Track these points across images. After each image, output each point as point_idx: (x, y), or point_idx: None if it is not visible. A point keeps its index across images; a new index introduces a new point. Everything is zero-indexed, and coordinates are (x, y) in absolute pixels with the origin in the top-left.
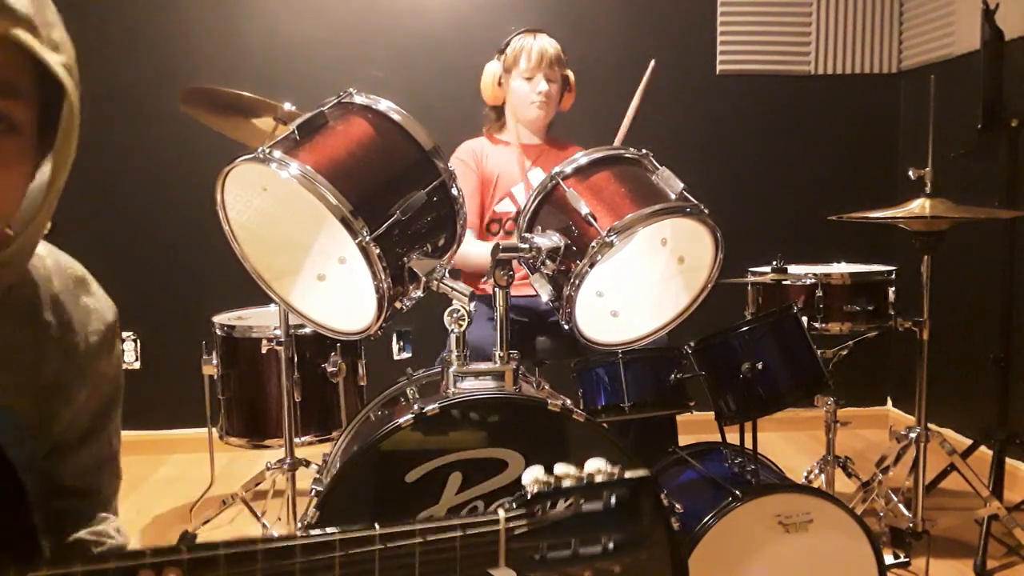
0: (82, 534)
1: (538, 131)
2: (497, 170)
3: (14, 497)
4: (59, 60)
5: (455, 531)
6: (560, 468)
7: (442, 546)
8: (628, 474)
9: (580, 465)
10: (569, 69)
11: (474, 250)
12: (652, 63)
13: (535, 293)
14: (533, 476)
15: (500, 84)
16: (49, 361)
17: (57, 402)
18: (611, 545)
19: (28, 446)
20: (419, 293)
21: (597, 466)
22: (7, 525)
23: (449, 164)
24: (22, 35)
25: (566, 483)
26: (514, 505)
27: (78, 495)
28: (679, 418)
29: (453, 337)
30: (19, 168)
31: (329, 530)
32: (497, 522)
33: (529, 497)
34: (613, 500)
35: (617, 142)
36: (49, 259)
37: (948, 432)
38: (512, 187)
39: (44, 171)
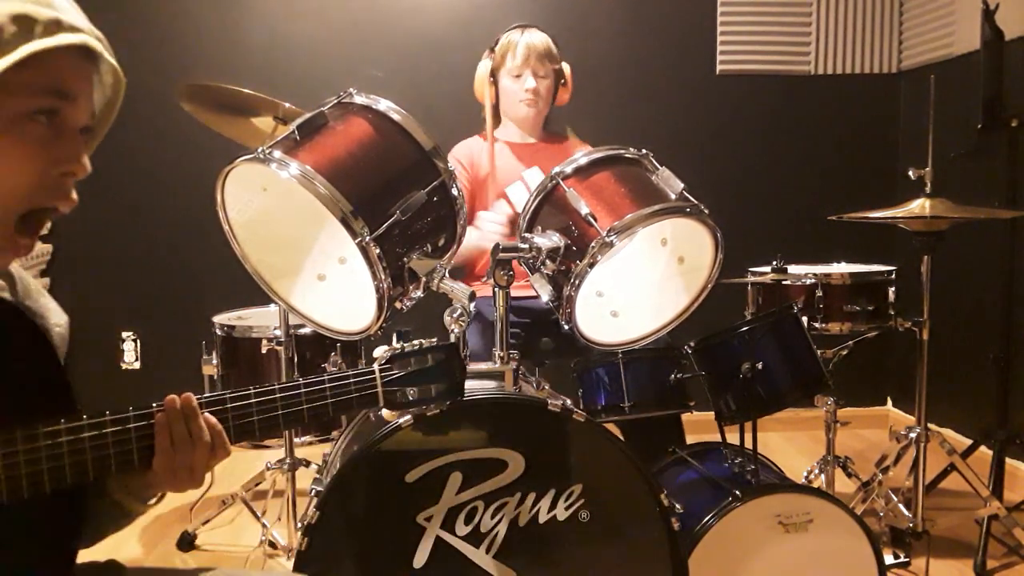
0: None
1: (532, 129)
2: (489, 172)
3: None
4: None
5: (349, 378)
6: (397, 342)
7: (342, 389)
8: (442, 343)
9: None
10: (564, 63)
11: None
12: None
13: (535, 294)
14: (383, 349)
15: (491, 83)
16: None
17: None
18: (435, 392)
19: None
20: (419, 293)
21: (421, 341)
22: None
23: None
24: (107, 55)
25: (407, 348)
26: (379, 367)
27: None
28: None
29: (453, 337)
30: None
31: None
32: (373, 372)
33: (387, 358)
34: (434, 359)
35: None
36: (13, 263)
37: (948, 432)
38: (507, 187)
39: None
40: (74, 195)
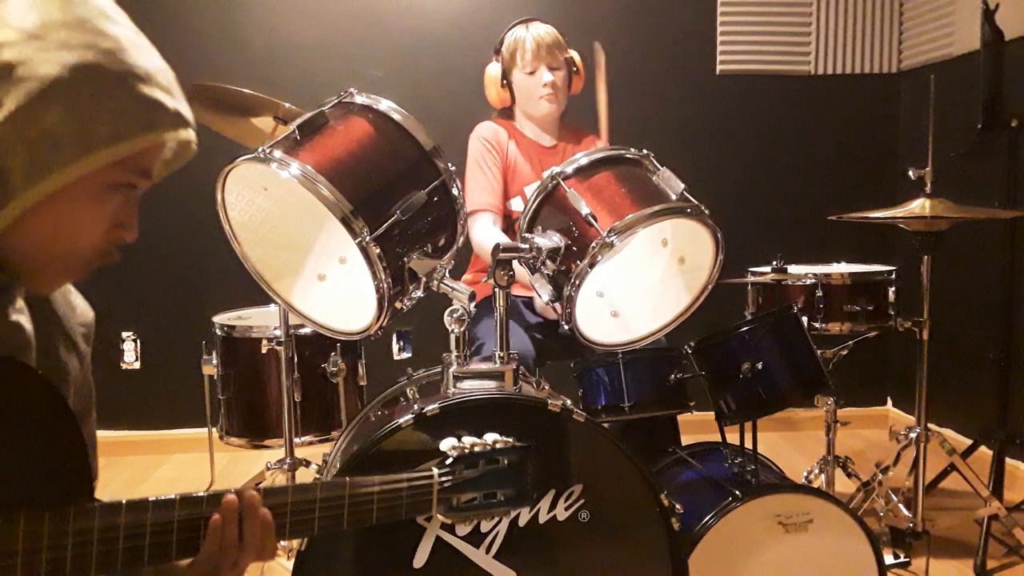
0: None
1: (551, 127)
2: (514, 163)
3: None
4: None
5: (402, 483)
6: (467, 439)
7: (393, 496)
8: (518, 444)
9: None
10: (572, 50)
11: (491, 239)
12: (596, 45)
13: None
14: (450, 443)
15: (504, 85)
16: (56, 344)
17: (66, 383)
18: (502, 498)
19: None
20: (419, 293)
21: (495, 436)
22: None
23: (469, 143)
24: (192, 137)
25: (476, 449)
26: (439, 468)
27: None
28: (680, 418)
29: (453, 337)
30: None
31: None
32: (431, 477)
33: (450, 460)
34: (506, 462)
35: (603, 135)
36: None
37: (948, 432)
38: (525, 186)
39: None
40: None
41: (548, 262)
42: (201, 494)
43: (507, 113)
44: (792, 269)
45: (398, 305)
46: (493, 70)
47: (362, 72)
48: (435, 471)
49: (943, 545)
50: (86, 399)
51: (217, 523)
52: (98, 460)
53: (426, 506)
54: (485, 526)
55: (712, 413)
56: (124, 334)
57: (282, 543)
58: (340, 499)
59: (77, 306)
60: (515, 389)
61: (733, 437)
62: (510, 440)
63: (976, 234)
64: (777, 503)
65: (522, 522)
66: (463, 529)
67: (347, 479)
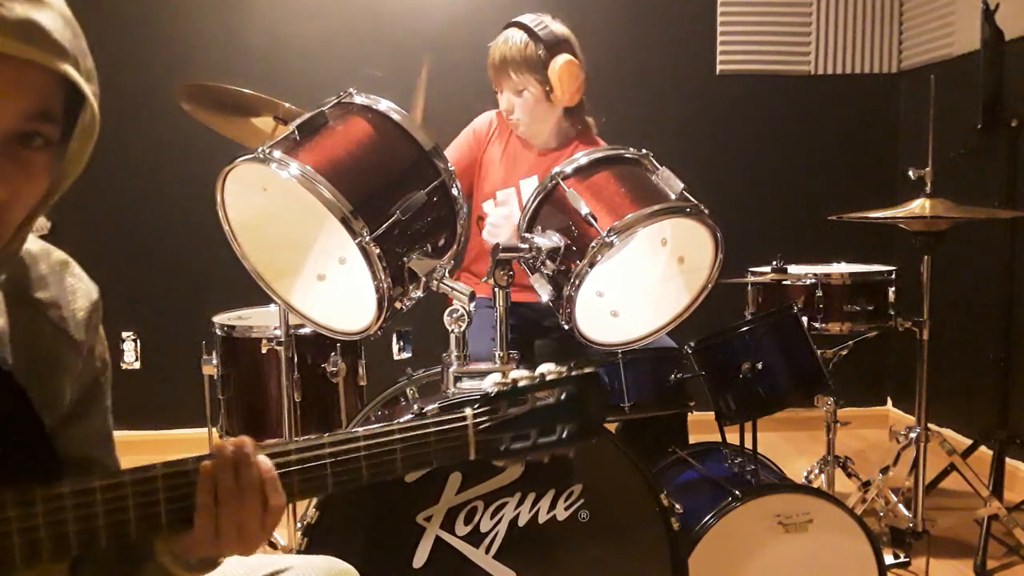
0: None
1: (543, 134)
2: (492, 163)
3: (47, 461)
4: (93, 90)
5: (428, 429)
6: (515, 372)
7: (418, 442)
8: (574, 372)
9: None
10: (560, 58)
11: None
12: (425, 57)
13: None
14: (492, 379)
15: (495, 90)
16: (44, 337)
17: (57, 376)
18: (564, 434)
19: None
20: (419, 293)
21: (548, 367)
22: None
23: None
24: (70, 70)
25: (522, 383)
26: (478, 405)
27: (86, 465)
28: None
29: (453, 337)
30: (43, 178)
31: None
32: (465, 418)
33: (491, 396)
34: (563, 395)
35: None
36: (33, 245)
37: (948, 432)
38: (499, 190)
39: None
40: (13, 219)
41: (548, 262)
42: (188, 459)
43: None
44: (792, 269)
45: (398, 305)
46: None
47: (362, 72)
48: (468, 411)
49: (943, 545)
50: (89, 389)
51: (207, 469)
52: (116, 456)
53: (463, 451)
54: (485, 526)
55: (712, 413)
56: (124, 334)
57: (282, 542)
58: (355, 450)
59: (77, 289)
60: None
61: (733, 437)
62: (563, 370)
63: (976, 234)
64: (777, 503)
65: (522, 522)
66: (463, 529)
67: (360, 429)
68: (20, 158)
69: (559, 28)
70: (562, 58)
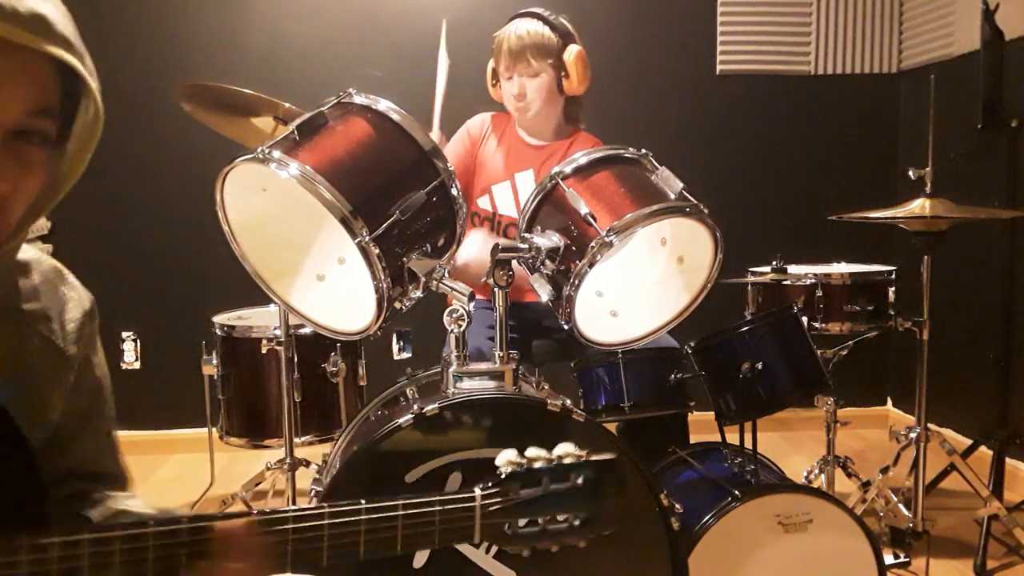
0: (92, 514)
1: (541, 128)
2: (488, 160)
3: (29, 477)
4: (96, 86)
5: (434, 507)
6: (532, 451)
7: (422, 519)
8: (594, 457)
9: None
10: (572, 47)
11: (469, 251)
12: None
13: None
14: (506, 458)
15: (494, 85)
16: (31, 351)
17: (44, 390)
18: (576, 522)
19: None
20: (419, 293)
21: (566, 449)
22: (20, 504)
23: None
24: (76, 63)
25: (537, 464)
26: (490, 484)
27: (95, 478)
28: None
29: (453, 337)
30: (41, 175)
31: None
32: (473, 499)
33: (503, 477)
34: (579, 480)
35: (434, 126)
36: (24, 253)
37: (948, 432)
38: (493, 184)
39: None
40: (11, 217)
41: (547, 262)
42: (182, 517)
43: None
44: (792, 269)
45: (397, 305)
46: (490, 66)
47: (362, 72)
48: (477, 491)
49: (943, 545)
50: (90, 403)
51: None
52: (123, 464)
53: (466, 532)
54: None
55: (712, 413)
56: (124, 334)
57: None
58: (355, 524)
59: (69, 299)
60: (515, 389)
61: (733, 437)
62: (582, 454)
63: (976, 234)
64: (777, 503)
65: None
66: None
67: (363, 501)
68: (19, 153)
69: (565, 21)
70: (575, 47)
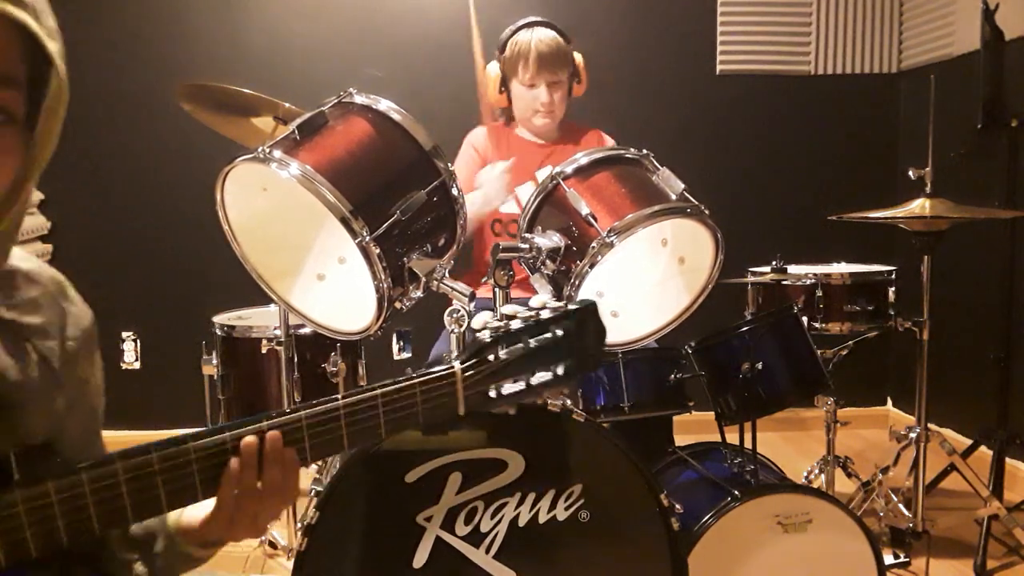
0: None
1: (548, 131)
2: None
3: None
4: (56, 48)
5: (413, 389)
6: (508, 308)
7: (404, 403)
8: (572, 305)
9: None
10: (576, 53)
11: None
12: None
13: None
14: (483, 321)
15: (502, 91)
16: (24, 367)
17: (29, 411)
18: (560, 371)
19: None
20: (419, 293)
21: (543, 300)
22: None
23: (462, 147)
24: (28, 19)
25: (515, 324)
26: (468, 355)
27: None
28: (680, 418)
29: (453, 337)
30: (14, 156)
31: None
32: (453, 373)
33: (482, 345)
34: (560, 331)
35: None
36: (26, 263)
37: (948, 432)
38: (517, 187)
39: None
40: None
41: (548, 262)
42: (224, 429)
43: (507, 112)
44: (792, 269)
45: (398, 305)
46: (493, 71)
47: (362, 72)
48: (456, 365)
49: (943, 545)
50: (90, 422)
51: (235, 469)
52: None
53: (450, 407)
54: (485, 526)
55: (712, 413)
56: (124, 334)
57: (282, 543)
58: (333, 417)
59: (69, 314)
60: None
61: (733, 437)
62: (561, 305)
63: (976, 234)
64: (776, 503)
65: (522, 522)
66: (463, 529)
67: (339, 396)
68: None
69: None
70: (576, 53)
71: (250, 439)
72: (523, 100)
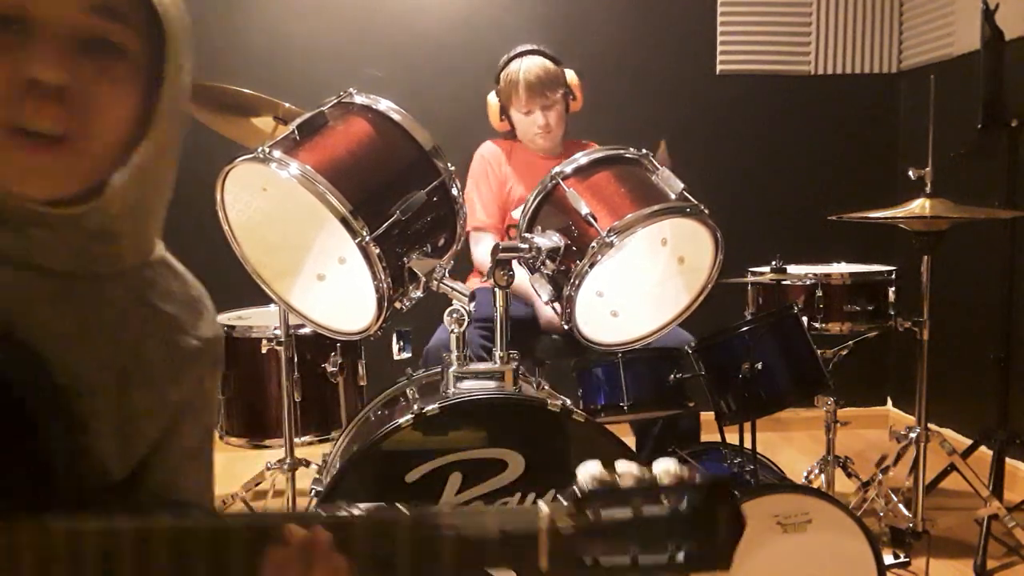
0: None
1: (552, 149)
2: (516, 174)
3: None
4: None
5: (492, 517)
6: (622, 465)
7: (476, 531)
8: (699, 479)
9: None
10: (568, 71)
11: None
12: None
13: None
14: (589, 472)
15: (503, 119)
16: (148, 349)
17: (147, 398)
18: (679, 556)
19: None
20: (419, 293)
21: (665, 467)
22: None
23: (473, 160)
24: None
25: (626, 482)
26: (563, 502)
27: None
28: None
29: (453, 337)
30: (129, 89)
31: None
32: (535, 514)
33: (581, 495)
34: (682, 505)
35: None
36: (173, 261)
37: (948, 432)
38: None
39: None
40: (53, 114)
41: (548, 262)
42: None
43: (511, 132)
44: (792, 269)
45: (398, 305)
46: (492, 100)
47: (362, 72)
48: (542, 506)
49: (943, 545)
50: (195, 440)
51: (277, 560)
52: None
53: (528, 557)
54: None
55: (712, 413)
56: None
57: None
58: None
59: (205, 319)
60: (515, 389)
61: (733, 437)
62: (684, 475)
63: (976, 234)
64: (775, 503)
65: None
66: None
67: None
68: (97, 60)
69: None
70: (569, 71)
71: (294, 529)
72: (523, 125)
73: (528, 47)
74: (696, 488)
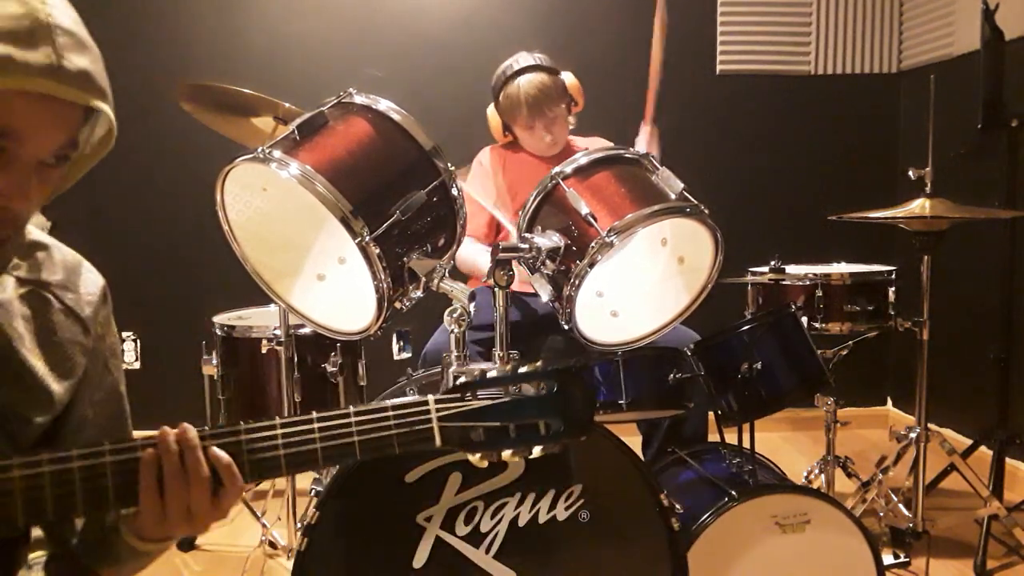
0: None
1: (558, 146)
2: (516, 180)
3: None
4: (111, 109)
5: (387, 413)
6: (485, 364)
7: (378, 428)
8: (552, 367)
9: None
10: (565, 73)
11: (466, 251)
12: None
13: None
14: (468, 368)
15: (505, 133)
16: (54, 312)
17: (69, 346)
18: (550, 430)
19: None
20: (419, 293)
21: (533, 366)
22: None
23: (472, 163)
24: (107, 109)
25: (491, 374)
26: (444, 393)
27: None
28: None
29: (453, 337)
30: (54, 184)
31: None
32: (426, 404)
33: (455, 385)
34: (543, 390)
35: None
36: (45, 238)
37: (948, 432)
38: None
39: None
40: (24, 220)
41: (548, 262)
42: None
43: (513, 142)
44: (792, 269)
45: (398, 305)
46: (493, 116)
47: (362, 72)
48: (431, 398)
49: (943, 545)
50: (100, 370)
51: (151, 456)
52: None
53: (426, 437)
54: (485, 526)
55: (712, 413)
56: (124, 334)
57: (282, 542)
58: (309, 431)
59: (87, 279)
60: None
61: (733, 437)
62: (537, 364)
63: (976, 234)
64: (774, 503)
65: (522, 522)
66: (463, 529)
67: (314, 413)
68: (42, 175)
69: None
70: (566, 75)
71: (164, 430)
72: (527, 139)
73: (524, 63)
74: (550, 374)
